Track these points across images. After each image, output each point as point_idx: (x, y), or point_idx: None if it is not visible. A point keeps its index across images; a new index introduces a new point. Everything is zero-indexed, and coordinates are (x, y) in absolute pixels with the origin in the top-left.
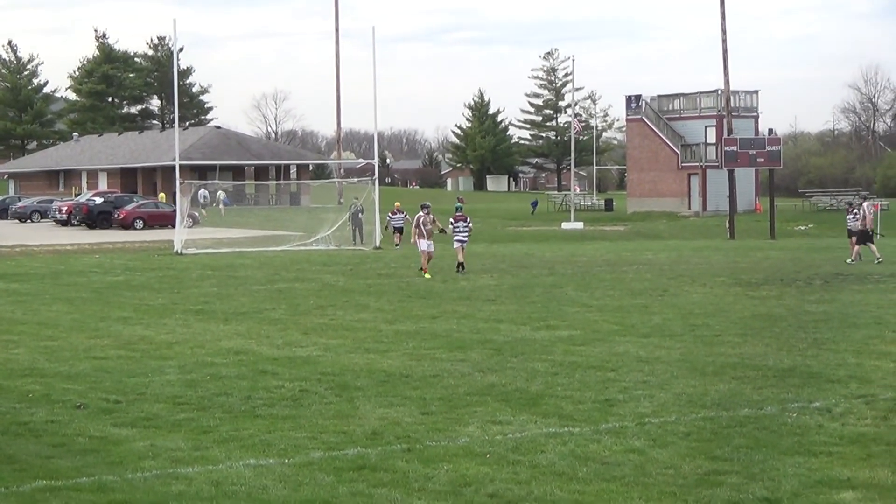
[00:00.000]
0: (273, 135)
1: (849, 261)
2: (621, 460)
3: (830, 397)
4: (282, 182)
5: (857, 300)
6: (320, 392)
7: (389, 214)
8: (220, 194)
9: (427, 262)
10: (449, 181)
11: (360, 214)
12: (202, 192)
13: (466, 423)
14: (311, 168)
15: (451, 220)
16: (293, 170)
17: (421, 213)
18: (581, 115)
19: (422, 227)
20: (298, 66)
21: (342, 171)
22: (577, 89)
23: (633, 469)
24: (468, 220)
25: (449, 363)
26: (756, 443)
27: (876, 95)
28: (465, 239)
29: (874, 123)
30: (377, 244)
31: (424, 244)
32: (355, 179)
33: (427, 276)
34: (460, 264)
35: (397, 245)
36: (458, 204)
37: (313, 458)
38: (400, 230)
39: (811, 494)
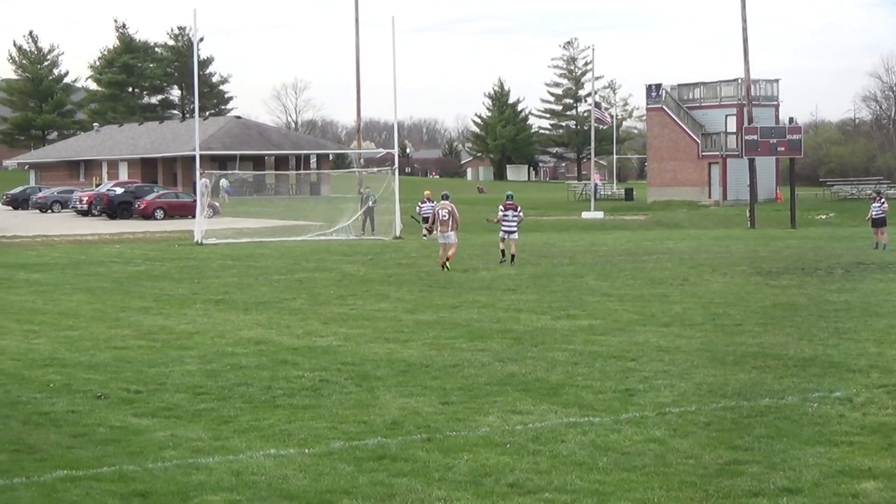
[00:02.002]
0: (293, 124)
1: (883, 245)
2: (641, 450)
3: (852, 387)
4: (302, 172)
5: (879, 289)
6: (340, 382)
7: (420, 203)
8: (223, 182)
9: (444, 253)
10: (469, 170)
11: (371, 204)
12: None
13: (486, 413)
14: (331, 158)
15: (501, 207)
16: (313, 159)
17: (428, 202)
18: (605, 106)
19: (437, 218)
20: (318, 56)
21: (362, 160)
22: (597, 78)
23: (653, 459)
24: (518, 209)
25: (469, 353)
26: (777, 432)
27: None
28: (514, 229)
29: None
30: (397, 234)
31: (441, 237)
32: (375, 169)
33: (446, 269)
34: (503, 253)
35: (424, 236)
36: (509, 192)
37: (333, 447)
38: (427, 219)
39: (832, 484)
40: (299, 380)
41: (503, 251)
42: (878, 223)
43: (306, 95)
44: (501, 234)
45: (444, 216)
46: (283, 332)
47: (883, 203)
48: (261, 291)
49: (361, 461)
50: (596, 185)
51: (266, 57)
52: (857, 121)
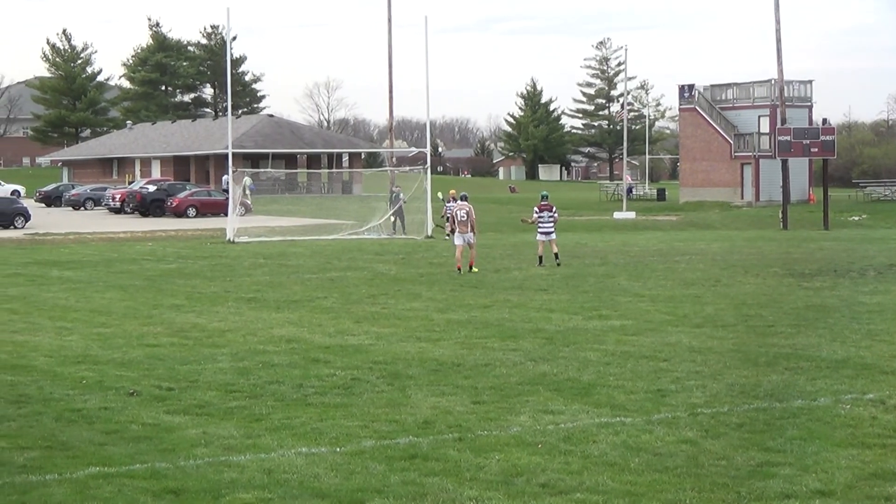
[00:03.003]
0: (325, 123)
1: None
2: (673, 451)
3: (884, 389)
4: (334, 170)
5: None
6: (372, 381)
7: (446, 204)
8: (247, 180)
9: (460, 255)
10: (501, 170)
11: (400, 203)
12: (225, 178)
13: (518, 413)
14: (363, 157)
15: (536, 209)
16: (345, 158)
17: (453, 202)
18: (633, 105)
19: (455, 220)
20: (351, 55)
21: (394, 159)
22: (630, 78)
23: (685, 460)
24: (554, 209)
25: (501, 352)
26: (809, 434)
27: None
28: (551, 230)
29: None
30: (429, 233)
31: (460, 238)
32: (407, 168)
33: (460, 271)
34: (541, 259)
35: (447, 237)
36: (544, 192)
37: (365, 446)
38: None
39: (865, 487)
40: (331, 378)
41: (541, 256)
42: None
43: (338, 94)
44: (540, 236)
45: (463, 217)
46: (315, 331)
47: None
48: (292, 290)
49: (393, 460)
50: (631, 186)
51: (298, 56)
52: (890, 122)
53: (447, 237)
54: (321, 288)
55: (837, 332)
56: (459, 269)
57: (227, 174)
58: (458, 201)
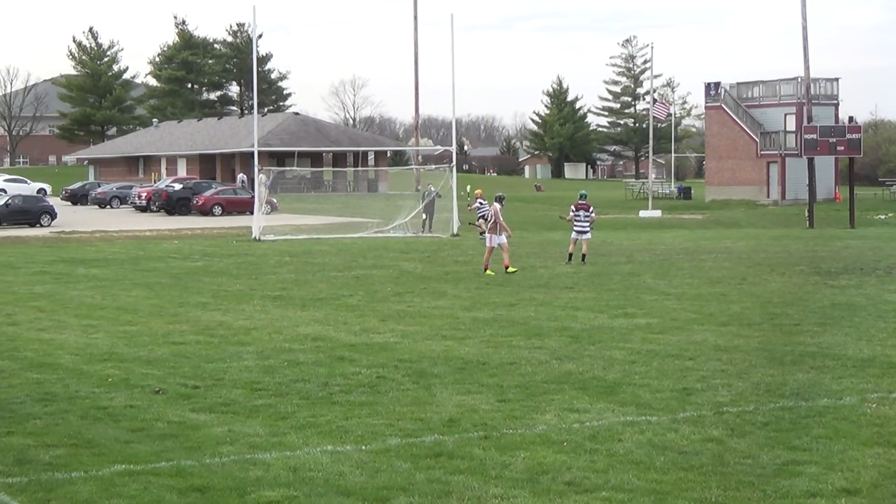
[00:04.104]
0: (351, 121)
1: None
2: (699, 449)
3: None
4: (360, 169)
5: None
6: (397, 379)
7: (475, 203)
8: (262, 177)
9: (489, 257)
10: (527, 168)
11: (433, 196)
12: (240, 175)
13: (543, 411)
14: (388, 155)
15: (573, 207)
16: (371, 156)
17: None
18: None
19: (495, 220)
20: (377, 53)
21: (420, 157)
22: (656, 76)
23: (711, 458)
24: (591, 209)
25: (526, 350)
26: (835, 433)
27: None
28: (587, 229)
29: None
30: (454, 231)
31: (493, 239)
32: (433, 166)
33: (490, 272)
34: (570, 256)
35: (482, 235)
36: (582, 192)
37: (390, 444)
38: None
39: (891, 485)
40: (356, 376)
41: (571, 254)
42: None
43: (364, 92)
44: (574, 234)
45: (491, 219)
46: (341, 329)
47: None
48: (318, 288)
49: (418, 458)
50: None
51: (324, 53)
52: None
53: (481, 237)
54: (346, 286)
55: (863, 330)
56: (485, 267)
57: (241, 174)
58: (494, 203)
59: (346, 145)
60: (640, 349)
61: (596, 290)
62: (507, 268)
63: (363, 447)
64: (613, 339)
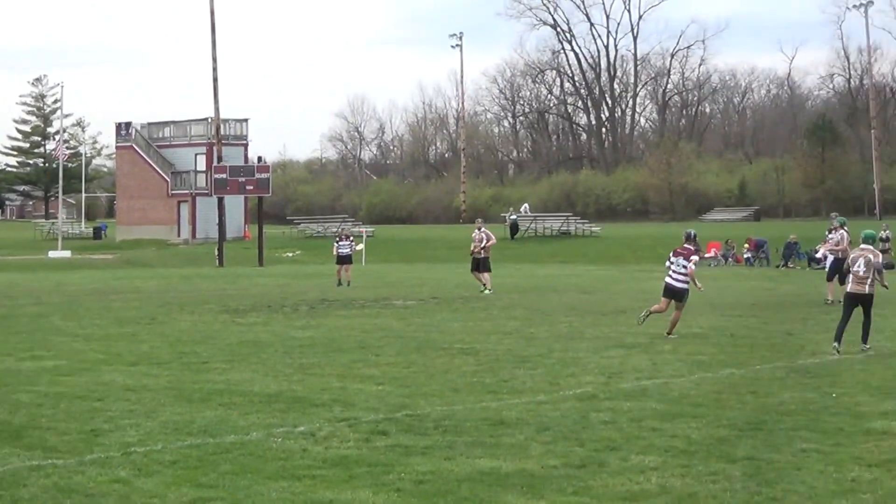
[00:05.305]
0: None
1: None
2: (106, 491)
3: (315, 421)
4: None
5: (342, 325)
6: None
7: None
8: None
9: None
10: None
11: None
12: None
13: None
14: None
15: None
16: None
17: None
18: (69, 142)
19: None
20: None
21: None
22: (66, 116)
23: (117, 499)
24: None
25: None
26: (242, 468)
27: (362, 124)
28: None
29: (360, 151)
30: None
31: None
32: None
33: None
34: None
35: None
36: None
37: None
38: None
39: None
40: None
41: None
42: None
43: None
44: None
45: None
46: None
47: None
48: None
49: None
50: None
51: None
52: (323, 160)
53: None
54: None
55: (270, 366)
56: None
57: None
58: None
59: None
60: (47, 392)
61: (2, 333)
62: None
63: None
64: (20, 382)
